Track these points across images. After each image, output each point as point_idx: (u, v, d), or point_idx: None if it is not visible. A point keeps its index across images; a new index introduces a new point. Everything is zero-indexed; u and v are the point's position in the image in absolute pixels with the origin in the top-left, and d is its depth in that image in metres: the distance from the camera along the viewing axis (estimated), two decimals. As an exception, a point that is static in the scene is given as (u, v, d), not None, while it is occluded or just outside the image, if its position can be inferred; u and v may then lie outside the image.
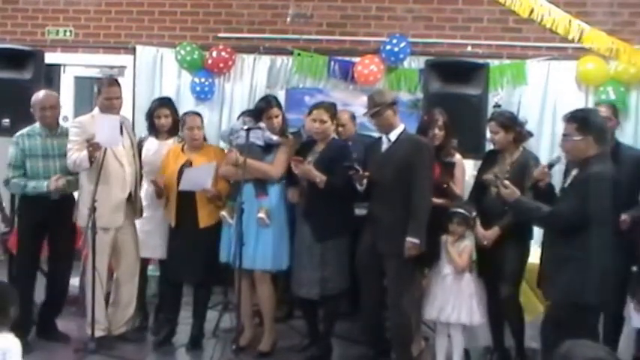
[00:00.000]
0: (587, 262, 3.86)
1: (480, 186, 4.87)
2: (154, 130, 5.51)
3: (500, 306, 4.74)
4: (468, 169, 5.33)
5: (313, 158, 4.92)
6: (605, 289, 3.91)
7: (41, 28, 7.84)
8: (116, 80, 5.32)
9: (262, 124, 5.01)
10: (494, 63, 6.76)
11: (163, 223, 5.29)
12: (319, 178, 4.79)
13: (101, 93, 5.14)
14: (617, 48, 6.90)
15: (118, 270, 5.30)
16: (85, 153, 4.89)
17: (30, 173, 5.06)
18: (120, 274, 5.29)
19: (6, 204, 5.73)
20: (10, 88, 5.74)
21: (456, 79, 5.74)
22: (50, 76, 6.95)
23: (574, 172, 4.07)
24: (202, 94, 7.45)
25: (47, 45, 7.57)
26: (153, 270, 5.73)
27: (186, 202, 5.10)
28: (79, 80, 8.01)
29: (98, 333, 5.03)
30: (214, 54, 7.40)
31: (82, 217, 5.07)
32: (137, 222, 5.32)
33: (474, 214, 4.74)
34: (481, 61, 6.22)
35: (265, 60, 7.45)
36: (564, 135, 4.08)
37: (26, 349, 4.95)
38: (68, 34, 7.81)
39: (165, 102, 5.65)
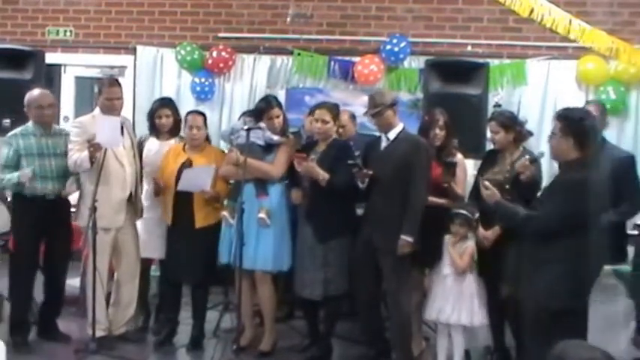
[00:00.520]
0: (563, 266, 3.82)
1: (480, 187, 4.86)
2: (155, 130, 5.50)
3: (500, 306, 4.74)
4: (468, 169, 5.33)
5: (315, 158, 4.92)
6: (580, 294, 3.85)
7: (41, 28, 7.86)
8: (117, 80, 5.30)
9: (262, 124, 5.01)
10: (494, 63, 6.77)
11: (164, 224, 5.28)
12: (322, 175, 4.79)
13: (102, 93, 5.13)
14: (617, 48, 6.92)
15: (118, 270, 5.30)
16: (85, 153, 4.88)
17: None
18: (120, 275, 5.29)
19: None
20: (11, 88, 5.73)
21: (456, 78, 5.74)
22: (50, 76, 6.97)
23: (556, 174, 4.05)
24: (202, 94, 7.47)
25: (47, 45, 7.59)
26: (154, 270, 5.73)
27: (184, 202, 5.09)
28: (79, 80, 8.03)
29: (99, 333, 5.02)
30: (214, 54, 7.42)
31: (82, 218, 5.07)
32: (139, 222, 5.32)
33: (477, 215, 4.74)
34: (481, 60, 6.23)
35: (265, 60, 7.47)
36: (552, 132, 4.01)
37: (26, 349, 5.02)
38: (68, 34, 7.83)
39: (167, 102, 5.65)
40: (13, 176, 4.97)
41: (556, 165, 4.26)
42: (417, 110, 6.53)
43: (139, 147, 5.37)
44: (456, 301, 4.71)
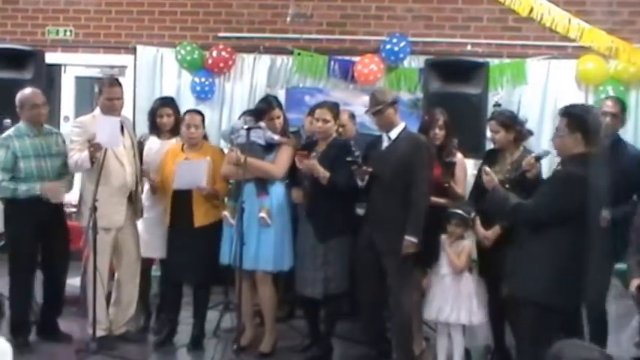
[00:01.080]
0: (544, 261, 3.81)
1: (480, 186, 4.86)
2: (155, 129, 5.51)
3: (500, 305, 4.74)
4: (468, 168, 5.33)
5: (316, 156, 4.92)
6: (571, 291, 3.83)
7: (41, 28, 7.84)
8: (117, 80, 5.31)
9: (262, 124, 5.01)
10: (494, 62, 6.77)
11: (165, 223, 5.28)
12: (323, 174, 4.79)
13: (102, 93, 5.13)
14: (616, 47, 6.92)
15: (119, 270, 5.30)
16: (86, 153, 4.89)
17: (24, 175, 5.03)
18: (121, 274, 5.30)
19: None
20: (11, 88, 5.71)
21: (455, 78, 5.75)
22: (51, 76, 6.98)
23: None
24: (202, 94, 7.46)
25: (47, 45, 7.58)
26: (155, 270, 5.74)
27: (182, 201, 5.09)
28: (79, 80, 8.02)
29: (99, 333, 5.03)
30: (214, 54, 7.41)
31: (83, 217, 5.08)
32: (139, 222, 5.32)
33: (473, 214, 4.75)
34: (481, 60, 6.24)
35: (265, 59, 7.47)
36: (556, 129, 4.02)
37: (27, 349, 5.02)
38: (68, 34, 7.82)
39: (168, 101, 5.65)
40: (34, 188, 4.95)
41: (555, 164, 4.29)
42: (417, 110, 6.53)
43: (140, 146, 5.38)
44: (454, 300, 4.72)
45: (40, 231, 5.09)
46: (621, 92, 6.85)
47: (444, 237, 4.80)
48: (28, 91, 5.16)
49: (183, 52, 7.48)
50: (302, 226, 4.99)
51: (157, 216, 5.33)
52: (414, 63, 7.21)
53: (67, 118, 7.60)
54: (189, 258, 5.08)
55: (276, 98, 5.44)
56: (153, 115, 5.51)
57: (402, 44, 7.14)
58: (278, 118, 5.12)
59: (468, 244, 4.75)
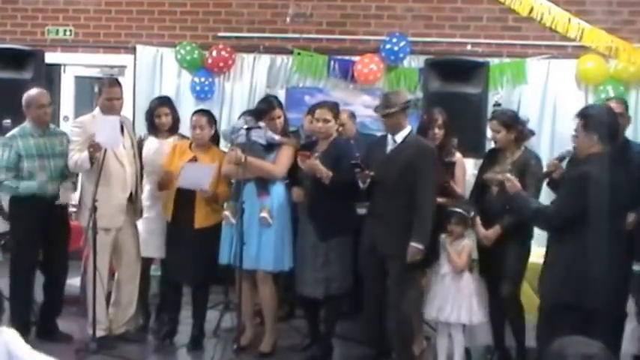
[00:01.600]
0: (566, 262, 3.83)
1: (481, 185, 4.87)
2: (154, 129, 5.51)
3: (501, 305, 4.74)
4: (468, 168, 5.33)
5: (318, 156, 4.91)
6: (581, 291, 3.83)
7: (41, 27, 7.84)
8: (117, 81, 5.31)
9: (262, 123, 5.01)
10: (494, 62, 6.77)
11: (165, 223, 5.28)
12: (325, 173, 4.79)
13: (102, 93, 5.14)
14: (616, 47, 6.91)
15: (118, 270, 5.30)
16: (85, 154, 4.89)
17: (27, 174, 5.04)
18: (121, 275, 5.30)
19: (4, 203, 5.72)
20: (10, 88, 5.73)
21: (455, 78, 5.75)
22: (50, 76, 6.97)
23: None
24: (202, 94, 7.46)
25: (47, 45, 7.57)
26: (155, 270, 5.74)
27: (185, 200, 5.09)
28: (79, 80, 8.02)
29: (99, 333, 5.04)
30: (214, 53, 7.41)
31: (83, 218, 5.07)
32: (139, 222, 5.32)
33: (472, 213, 4.74)
34: (481, 59, 6.23)
35: (265, 59, 7.46)
36: (574, 130, 4.08)
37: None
38: (68, 33, 7.82)
39: (165, 101, 5.65)
40: (32, 185, 4.94)
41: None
42: (417, 110, 6.51)
43: (139, 146, 5.37)
44: (455, 299, 4.71)
45: (41, 231, 5.09)
46: (621, 92, 6.85)
47: (443, 236, 4.80)
48: (34, 91, 5.17)
49: (182, 51, 7.47)
50: (303, 226, 4.99)
51: (156, 216, 5.32)
52: (414, 63, 7.21)
53: (66, 118, 7.60)
54: (188, 258, 5.08)
55: (276, 98, 5.44)
56: (150, 115, 5.51)
57: (402, 44, 7.14)
58: (279, 118, 5.12)
59: (468, 243, 4.75)
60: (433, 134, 4.93)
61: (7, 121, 5.63)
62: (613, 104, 4.91)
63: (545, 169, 4.53)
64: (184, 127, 5.57)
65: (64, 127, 6.92)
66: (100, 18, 7.77)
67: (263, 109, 5.15)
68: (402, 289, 4.70)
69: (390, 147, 4.79)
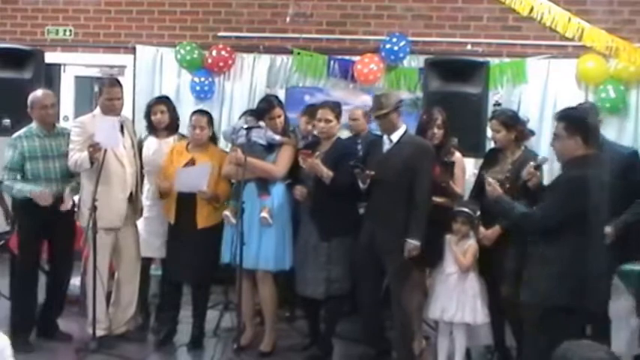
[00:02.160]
0: (559, 265, 3.79)
1: (481, 185, 4.85)
2: (152, 128, 5.50)
3: (500, 305, 4.74)
4: (468, 167, 5.33)
5: (320, 156, 4.91)
6: (576, 293, 3.78)
7: (41, 27, 7.85)
8: (117, 81, 5.30)
9: (262, 123, 5.01)
10: (494, 61, 6.77)
11: (165, 223, 5.28)
12: (326, 173, 4.79)
13: (102, 93, 5.13)
14: (616, 46, 6.91)
15: (118, 270, 5.30)
16: (85, 154, 4.88)
17: (30, 175, 5.04)
18: (121, 274, 5.29)
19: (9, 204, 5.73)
20: (10, 88, 5.74)
21: (455, 77, 5.74)
22: (50, 75, 6.97)
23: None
24: (202, 94, 7.46)
25: (47, 44, 7.58)
26: (155, 269, 5.73)
27: (187, 201, 5.09)
28: (79, 80, 8.03)
29: (99, 332, 5.04)
30: (214, 53, 7.41)
31: (82, 217, 5.07)
32: (140, 222, 5.32)
33: (478, 213, 4.73)
34: (481, 59, 6.23)
35: (265, 59, 7.47)
36: (554, 134, 3.98)
37: (27, 348, 5.02)
38: (68, 33, 7.82)
39: (162, 99, 5.66)
40: (25, 189, 4.95)
41: (557, 168, 4.27)
42: (417, 109, 6.52)
43: (139, 146, 5.37)
44: (459, 299, 4.71)
45: (44, 231, 5.09)
46: (621, 91, 6.86)
47: (449, 236, 4.80)
48: (39, 92, 5.18)
49: (182, 51, 7.48)
50: (304, 226, 4.99)
51: (157, 216, 5.32)
52: (414, 62, 7.21)
53: (66, 118, 7.60)
54: (189, 257, 5.07)
55: (276, 97, 5.44)
56: (148, 114, 5.51)
57: (402, 44, 7.14)
58: (279, 117, 5.12)
59: (473, 244, 4.74)
60: (432, 134, 4.93)
61: (7, 121, 5.63)
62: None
63: (524, 176, 4.45)
64: (184, 127, 5.56)
65: (64, 126, 6.92)
66: (100, 18, 7.77)
67: (263, 109, 5.15)
68: (400, 285, 4.72)
69: (386, 146, 4.82)
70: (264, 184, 5.01)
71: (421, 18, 7.33)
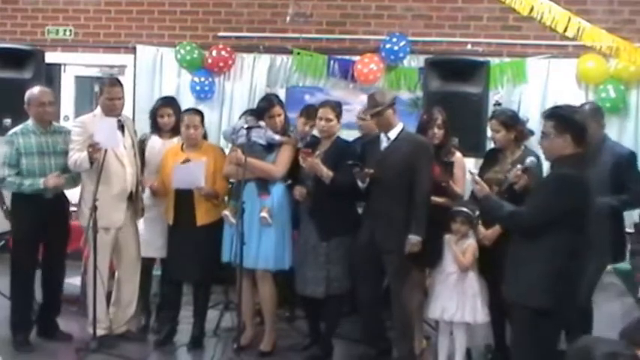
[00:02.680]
0: (548, 264, 3.77)
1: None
2: (157, 128, 5.50)
3: (501, 305, 4.73)
4: (468, 167, 5.32)
5: (320, 155, 4.92)
6: (561, 293, 3.73)
7: (41, 27, 7.86)
8: (118, 80, 5.30)
9: (262, 123, 5.01)
10: (494, 61, 6.77)
11: (166, 223, 5.27)
12: (326, 173, 4.79)
13: (103, 93, 5.13)
14: (617, 46, 6.92)
15: (119, 269, 5.30)
16: (85, 154, 4.88)
17: (26, 172, 5.03)
18: (121, 274, 5.29)
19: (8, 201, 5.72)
20: (11, 88, 5.74)
21: (456, 77, 5.75)
22: (50, 75, 6.97)
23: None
24: (202, 94, 7.47)
25: (47, 44, 7.59)
26: (155, 269, 5.73)
27: (185, 200, 5.09)
28: (79, 80, 8.04)
29: (100, 332, 5.04)
30: (214, 53, 7.42)
31: (83, 217, 5.07)
32: (140, 221, 5.32)
33: (477, 213, 4.73)
34: (481, 59, 6.24)
35: (265, 59, 7.48)
36: (542, 132, 3.91)
37: (28, 348, 5.03)
38: (68, 33, 7.83)
39: (169, 101, 5.64)
40: (36, 182, 4.96)
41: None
42: (417, 109, 6.53)
43: (141, 146, 5.37)
44: (459, 299, 4.71)
45: (41, 229, 5.08)
46: (621, 91, 6.87)
47: (448, 236, 4.80)
48: (36, 89, 5.17)
49: (182, 51, 7.49)
50: (304, 226, 4.99)
51: (157, 215, 5.32)
52: (414, 62, 7.22)
53: (66, 118, 7.61)
54: (190, 256, 5.07)
55: (277, 96, 5.43)
56: (154, 114, 5.51)
57: (402, 43, 7.15)
58: (279, 115, 5.11)
59: (473, 243, 4.74)
60: (433, 134, 4.93)
61: (8, 121, 5.63)
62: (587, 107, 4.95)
63: (511, 179, 4.43)
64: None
65: (62, 125, 6.92)
66: (100, 18, 7.79)
67: (263, 107, 5.15)
68: (400, 282, 4.73)
69: (384, 144, 4.82)
70: (264, 183, 5.01)
71: (421, 18, 7.34)
